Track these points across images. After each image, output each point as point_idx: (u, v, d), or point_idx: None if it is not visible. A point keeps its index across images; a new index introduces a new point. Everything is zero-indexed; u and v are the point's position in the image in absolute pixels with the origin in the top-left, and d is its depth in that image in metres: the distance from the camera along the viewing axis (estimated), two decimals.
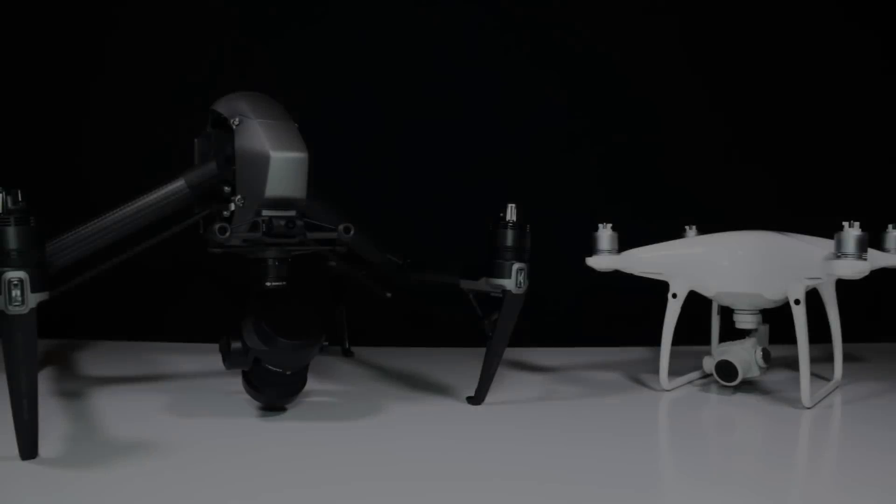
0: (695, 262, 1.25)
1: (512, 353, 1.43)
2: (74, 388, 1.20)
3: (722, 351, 1.24)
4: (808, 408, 1.14)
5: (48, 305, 0.87)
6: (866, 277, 1.07)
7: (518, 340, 1.17)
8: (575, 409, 1.15)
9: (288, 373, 1.03)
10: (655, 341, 1.27)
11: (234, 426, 1.01)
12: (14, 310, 0.83)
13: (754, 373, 1.23)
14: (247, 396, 1.07)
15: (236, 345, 1.01)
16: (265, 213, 1.03)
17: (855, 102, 1.76)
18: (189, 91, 1.38)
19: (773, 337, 1.31)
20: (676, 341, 1.25)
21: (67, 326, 1.54)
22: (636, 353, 1.57)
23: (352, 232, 1.09)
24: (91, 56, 1.62)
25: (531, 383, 1.32)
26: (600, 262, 1.25)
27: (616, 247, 1.26)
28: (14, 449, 0.85)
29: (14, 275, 0.83)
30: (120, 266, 1.08)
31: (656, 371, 1.27)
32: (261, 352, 1.00)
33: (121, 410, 1.07)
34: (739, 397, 1.23)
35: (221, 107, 1.09)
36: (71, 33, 1.62)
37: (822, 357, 1.37)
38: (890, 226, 1.30)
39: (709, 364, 1.26)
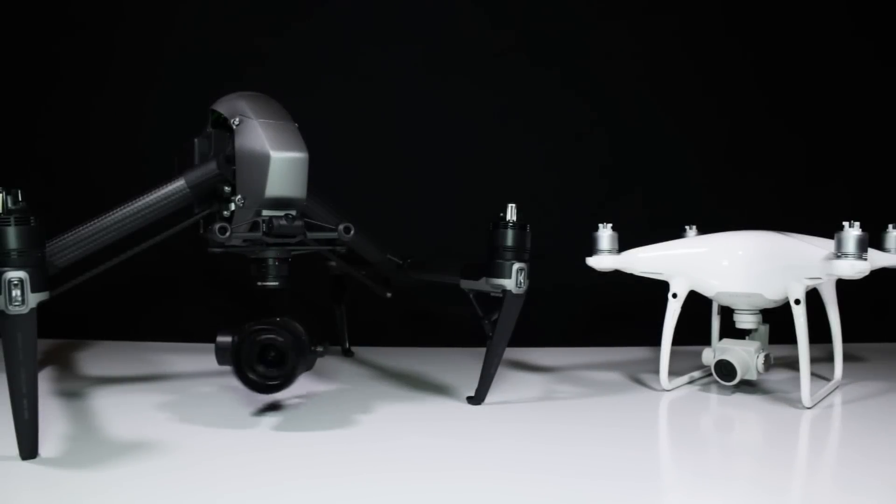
0: (695, 262, 1.25)
1: (512, 353, 1.43)
2: (74, 388, 1.20)
3: (723, 349, 1.23)
4: (808, 408, 1.14)
5: (48, 305, 0.87)
6: (866, 277, 1.07)
7: (518, 340, 1.16)
8: (575, 409, 1.15)
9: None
10: (655, 341, 1.26)
11: (233, 426, 1.01)
12: (14, 310, 0.83)
13: (752, 376, 1.23)
14: (245, 395, 1.07)
15: (223, 339, 1.02)
16: (265, 212, 1.03)
17: (855, 102, 1.76)
18: (189, 91, 1.38)
19: (773, 337, 1.31)
20: (676, 341, 1.25)
21: (68, 326, 1.54)
22: (636, 353, 1.57)
23: (352, 232, 1.09)
24: (93, 56, 1.62)
25: (531, 383, 1.32)
26: (600, 262, 1.25)
27: (616, 247, 1.26)
28: (14, 449, 0.85)
29: (14, 275, 0.83)
30: (120, 266, 1.08)
31: (656, 371, 1.27)
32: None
33: (121, 410, 1.07)
34: (739, 397, 1.23)
35: (221, 107, 1.09)
36: (73, 33, 1.62)
37: (822, 357, 1.37)
38: (890, 226, 1.30)
39: (708, 356, 1.26)
